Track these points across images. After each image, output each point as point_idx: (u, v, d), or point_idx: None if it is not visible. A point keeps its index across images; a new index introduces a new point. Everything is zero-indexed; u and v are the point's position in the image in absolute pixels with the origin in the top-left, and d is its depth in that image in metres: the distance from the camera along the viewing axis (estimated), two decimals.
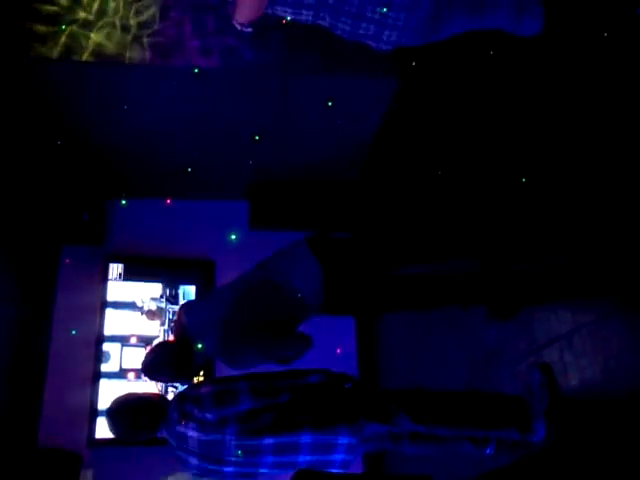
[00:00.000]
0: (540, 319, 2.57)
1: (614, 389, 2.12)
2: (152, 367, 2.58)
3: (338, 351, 4.02)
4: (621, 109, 2.16)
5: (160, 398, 2.57)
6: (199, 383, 2.63)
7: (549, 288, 2.51)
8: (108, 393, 4.18)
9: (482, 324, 3.01)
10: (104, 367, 4.33)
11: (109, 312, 4.46)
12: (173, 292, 4.60)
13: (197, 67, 3.44)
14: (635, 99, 2.09)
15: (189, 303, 2.81)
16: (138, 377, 4.28)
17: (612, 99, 2.21)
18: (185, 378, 2.67)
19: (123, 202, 4.52)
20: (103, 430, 4.10)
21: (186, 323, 2.58)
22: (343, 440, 2.32)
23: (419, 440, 2.43)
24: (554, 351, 2.46)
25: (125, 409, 2.46)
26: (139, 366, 2.62)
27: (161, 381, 2.62)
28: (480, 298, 2.69)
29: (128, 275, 4.54)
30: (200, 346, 2.48)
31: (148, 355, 2.61)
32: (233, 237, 4.34)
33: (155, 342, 4.39)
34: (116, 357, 4.38)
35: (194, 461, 2.36)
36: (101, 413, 4.15)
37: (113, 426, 2.48)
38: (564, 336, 2.39)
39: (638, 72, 2.08)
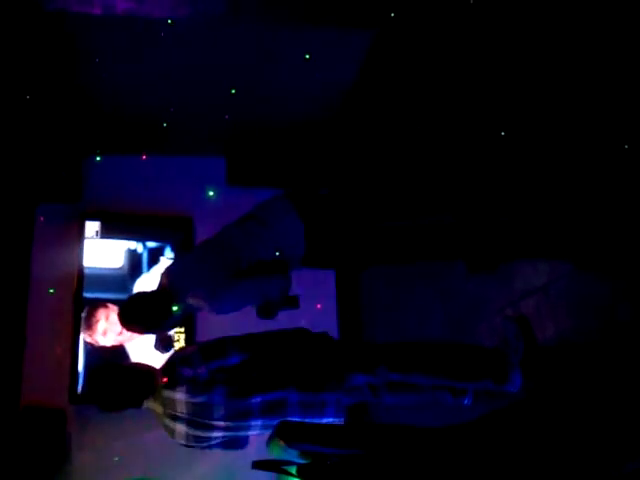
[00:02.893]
0: (518, 272, 2.61)
1: (589, 339, 2.17)
2: (128, 313, 2.57)
3: (318, 306, 4.06)
4: (609, 58, 2.14)
5: (146, 366, 2.54)
6: (184, 347, 2.64)
7: (527, 241, 2.53)
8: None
9: (461, 278, 3.04)
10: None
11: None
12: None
13: (170, 18, 3.35)
14: (624, 44, 2.07)
15: (168, 265, 2.80)
16: None
17: (598, 46, 2.18)
18: (161, 329, 2.66)
19: (98, 158, 4.44)
20: (85, 386, 4.14)
21: (167, 282, 2.57)
22: (329, 396, 2.35)
23: (397, 390, 2.47)
24: (531, 302, 2.50)
25: (110, 379, 2.44)
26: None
27: (136, 330, 2.64)
28: (459, 252, 2.71)
29: (105, 233, 4.49)
30: (176, 308, 2.48)
31: (126, 301, 2.60)
32: (211, 193, 4.31)
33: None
34: None
35: (182, 428, 2.35)
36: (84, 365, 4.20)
37: (98, 397, 2.46)
38: (541, 288, 2.43)
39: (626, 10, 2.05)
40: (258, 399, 2.33)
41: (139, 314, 2.56)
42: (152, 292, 2.62)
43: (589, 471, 1.63)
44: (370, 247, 2.61)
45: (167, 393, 2.34)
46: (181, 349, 2.57)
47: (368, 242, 2.60)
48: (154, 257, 4.54)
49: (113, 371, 2.49)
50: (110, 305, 4.13)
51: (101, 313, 4.12)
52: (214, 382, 2.31)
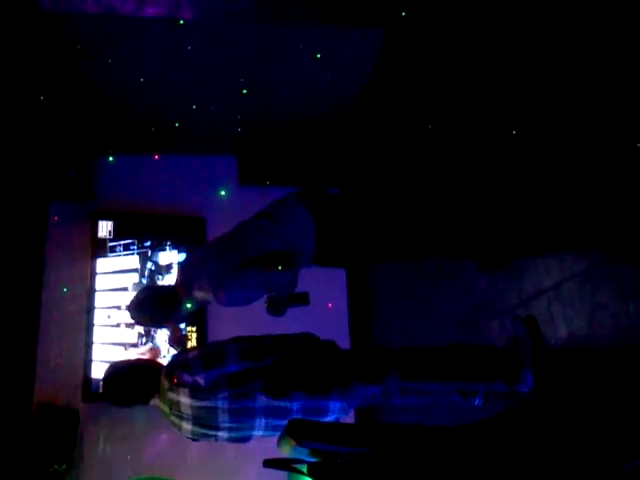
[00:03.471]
0: (529, 271, 2.60)
1: (601, 338, 2.16)
2: (136, 306, 2.60)
3: (329, 305, 4.06)
4: (622, 55, 2.13)
5: (154, 364, 2.56)
6: (187, 349, 2.63)
7: (538, 240, 2.52)
8: (101, 345, 4.28)
9: (472, 275, 3.03)
10: (96, 319, 4.35)
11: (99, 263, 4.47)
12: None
13: (182, 18, 3.37)
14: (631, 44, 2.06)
15: (182, 261, 2.83)
16: (129, 326, 4.32)
17: (608, 46, 2.17)
18: (169, 323, 2.69)
19: (110, 158, 4.47)
20: (98, 385, 4.17)
21: (180, 276, 2.61)
22: (335, 404, 2.35)
23: (409, 394, 2.47)
24: (542, 302, 2.49)
25: (120, 376, 2.47)
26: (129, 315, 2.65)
27: (145, 324, 2.67)
28: (470, 250, 2.71)
29: (118, 232, 4.51)
30: (190, 305, 2.50)
31: (135, 295, 2.64)
32: (223, 193, 4.33)
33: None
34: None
35: (188, 426, 2.37)
36: (96, 365, 4.23)
37: (108, 393, 2.50)
38: (552, 287, 2.42)
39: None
40: (263, 404, 2.33)
41: (147, 308, 2.59)
42: (161, 286, 2.65)
43: (598, 467, 1.63)
44: (381, 244, 2.61)
45: (171, 395, 2.36)
46: (184, 352, 2.56)
47: (379, 239, 2.60)
48: (169, 258, 4.57)
49: (119, 368, 2.52)
50: None
51: None
52: (217, 386, 2.32)
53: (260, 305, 2.65)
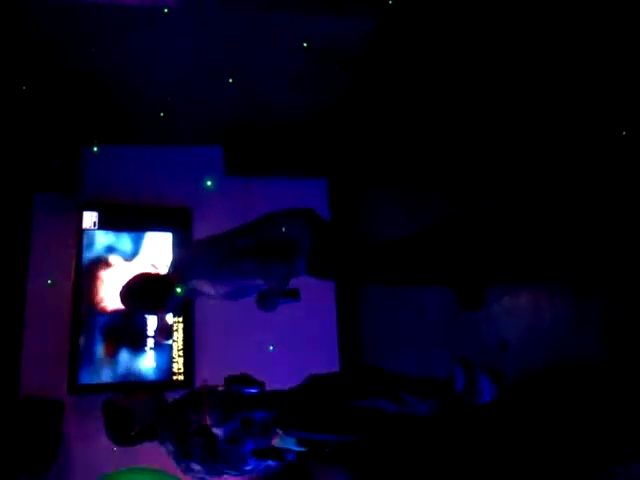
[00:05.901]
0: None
1: (591, 330, 2.17)
2: (128, 293, 2.60)
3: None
4: (607, 48, 2.13)
5: (149, 404, 2.57)
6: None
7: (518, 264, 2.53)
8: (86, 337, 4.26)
9: None
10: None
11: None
12: None
13: (166, 6, 3.33)
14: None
15: (176, 253, 2.86)
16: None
17: (598, 34, 2.17)
18: (159, 311, 2.69)
19: (95, 149, 4.42)
20: (84, 376, 4.16)
21: (172, 268, 2.61)
22: None
23: None
24: (530, 292, 2.50)
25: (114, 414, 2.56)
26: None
27: (134, 310, 2.68)
28: (450, 283, 2.78)
29: (103, 223, 4.48)
30: (180, 290, 2.51)
31: (127, 281, 2.63)
32: (209, 183, 4.31)
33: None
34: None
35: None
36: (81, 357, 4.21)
37: (110, 430, 2.60)
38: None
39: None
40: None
41: (138, 294, 2.59)
42: (154, 273, 2.67)
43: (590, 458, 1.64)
44: (370, 264, 2.68)
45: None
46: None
47: (369, 259, 2.67)
48: (153, 246, 4.55)
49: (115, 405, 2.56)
50: None
51: None
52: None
53: (249, 299, 2.65)
